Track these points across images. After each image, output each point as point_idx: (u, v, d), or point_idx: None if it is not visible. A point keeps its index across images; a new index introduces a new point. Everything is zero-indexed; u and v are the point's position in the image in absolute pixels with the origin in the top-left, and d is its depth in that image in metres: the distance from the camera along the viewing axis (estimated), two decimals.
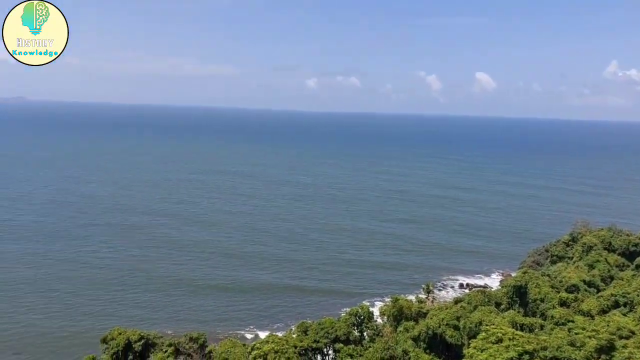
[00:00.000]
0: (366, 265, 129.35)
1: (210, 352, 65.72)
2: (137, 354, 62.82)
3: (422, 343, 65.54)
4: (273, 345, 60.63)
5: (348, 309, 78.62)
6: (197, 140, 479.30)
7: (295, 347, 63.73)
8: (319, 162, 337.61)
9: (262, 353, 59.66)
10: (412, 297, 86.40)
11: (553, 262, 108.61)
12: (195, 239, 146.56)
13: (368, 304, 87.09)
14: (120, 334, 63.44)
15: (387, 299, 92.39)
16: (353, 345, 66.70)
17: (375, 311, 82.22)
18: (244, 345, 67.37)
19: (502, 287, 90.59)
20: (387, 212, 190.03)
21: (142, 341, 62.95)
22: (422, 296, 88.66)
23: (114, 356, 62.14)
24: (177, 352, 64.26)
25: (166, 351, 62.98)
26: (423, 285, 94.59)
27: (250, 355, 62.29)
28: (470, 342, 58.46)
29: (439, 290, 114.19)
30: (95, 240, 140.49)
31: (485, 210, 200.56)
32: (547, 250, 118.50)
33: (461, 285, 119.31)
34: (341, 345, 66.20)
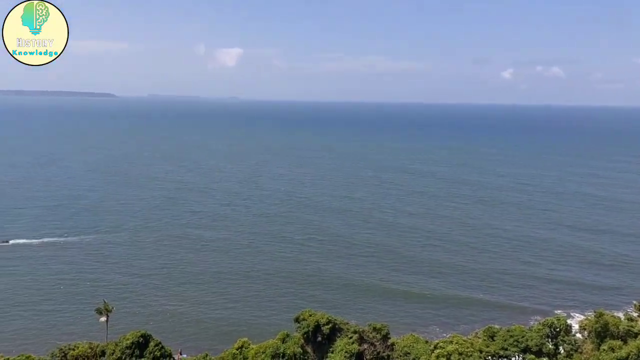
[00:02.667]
0: (563, 279, 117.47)
1: (392, 344, 66.63)
2: (325, 337, 66.64)
3: None
4: (457, 347, 59.00)
5: (540, 319, 72.58)
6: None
7: (481, 352, 61.10)
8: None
9: (445, 353, 58.51)
10: (619, 315, 76.20)
11: None
12: (384, 243, 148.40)
13: (565, 314, 79.30)
14: (310, 315, 68.05)
15: (588, 313, 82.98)
16: (546, 359, 61.44)
17: (574, 325, 74.42)
18: (427, 342, 66.81)
19: None
20: (591, 222, 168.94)
21: (330, 325, 66.62)
22: (634, 314, 77.55)
23: (305, 335, 66.85)
24: (361, 339, 66.52)
25: (351, 337, 65.66)
26: (635, 302, 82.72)
27: (432, 354, 61.59)
28: None
29: None
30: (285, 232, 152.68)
31: None
32: None
33: None
34: (532, 356, 61.46)
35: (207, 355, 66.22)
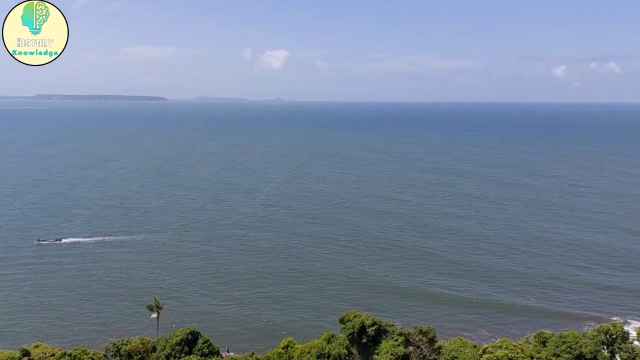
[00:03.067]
0: (619, 286, 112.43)
1: (439, 347, 65.58)
2: (370, 338, 66.28)
3: None
4: (506, 352, 57.45)
5: (595, 326, 69.70)
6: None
7: (532, 358, 59.26)
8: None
9: (494, 358, 57.10)
10: None
11: None
12: (424, 247, 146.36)
13: (622, 321, 75.86)
14: (355, 316, 67.87)
15: None
16: None
17: (631, 332, 71.06)
18: (475, 346, 65.39)
19: None
20: None
21: (375, 326, 66.23)
22: None
23: (350, 336, 66.72)
24: (407, 342, 65.81)
25: (397, 339, 65.06)
26: None
27: (481, 358, 60.23)
28: None
29: None
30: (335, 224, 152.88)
31: None
32: None
33: None
34: None
35: (253, 353, 67.17)
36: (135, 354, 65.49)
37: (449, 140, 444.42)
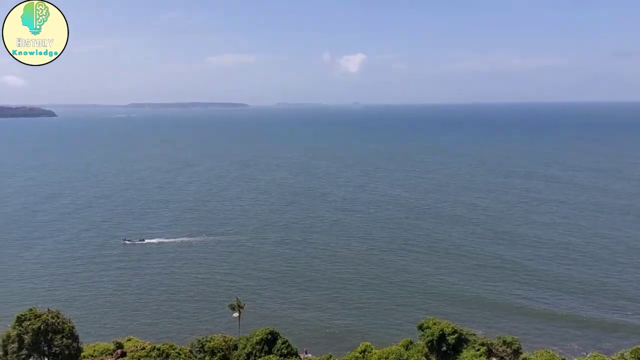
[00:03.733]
0: None
1: (524, 359, 62.70)
2: (450, 347, 64.60)
3: None
4: None
5: None
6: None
7: None
8: None
9: None
10: None
11: None
12: (506, 257, 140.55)
13: None
14: (435, 324, 66.45)
15: None
16: None
17: None
18: (563, 359, 61.90)
19: None
20: None
21: (456, 335, 64.47)
22: None
23: (429, 344, 65.39)
24: (489, 352, 63.49)
25: (478, 349, 62.94)
26: None
27: None
28: None
29: None
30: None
31: None
32: None
33: None
34: None
35: (330, 356, 67.56)
36: (218, 351, 67.96)
37: (532, 142, 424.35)
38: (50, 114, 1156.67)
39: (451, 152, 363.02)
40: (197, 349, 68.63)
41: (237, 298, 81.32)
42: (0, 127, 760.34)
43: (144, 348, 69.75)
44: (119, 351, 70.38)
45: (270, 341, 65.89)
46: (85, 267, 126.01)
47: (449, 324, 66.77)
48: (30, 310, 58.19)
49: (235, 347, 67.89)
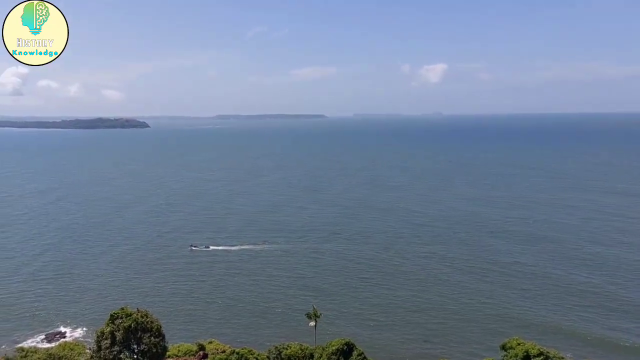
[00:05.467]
0: None
1: None
2: None
3: None
4: None
5: None
6: None
7: None
8: None
9: None
10: None
11: None
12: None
13: None
14: (519, 344, 63.24)
15: None
16: None
17: None
18: None
19: None
20: None
21: (542, 357, 60.94)
22: None
23: None
24: None
25: None
26: None
27: None
28: None
29: None
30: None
31: None
32: None
33: None
34: None
35: None
36: (294, 359, 68.82)
37: (623, 155, 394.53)
38: (144, 125, 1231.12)
39: (525, 165, 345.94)
40: (274, 355, 69.89)
41: (313, 307, 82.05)
42: (100, 137, 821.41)
43: (224, 351, 72.21)
44: (201, 353, 73.35)
45: (345, 352, 65.79)
46: (160, 270, 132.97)
47: (534, 345, 63.28)
48: (122, 309, 62.05)
49: (311, 356, 68.43)
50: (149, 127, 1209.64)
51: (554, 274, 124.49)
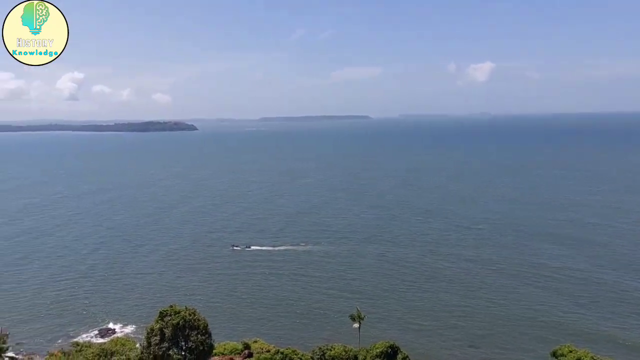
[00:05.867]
0: None
1: None
2: None
3: None
4: None
5: None
6: None
7: None
8: None
9: None
10: None
11: None
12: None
13: None
14: (570, 351, 61.05)
15: None
16: None
17: None
18: None
19: None
20: None
21: None
22: None
23: None
24: None
25: None
26: None
27: None
28: None
29: None
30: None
31: None
32: None
33: None
34: None
35: None
36: None
37: None
38: (192, 127, 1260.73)
39: (581, 167, 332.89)
40: (318, 356, 70.11)
41: (357, 308, 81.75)
42: (150, 140, 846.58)
43: (268, 350, 72.99)
44: (246, 351, 74.40)
45: (390, 355, 65.34)
46: (204, 269, 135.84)
47: (587, 352, 61.08)
48: (171, 306, 63.65)
49: (355, 358, 68.27)
50: (197, 129, 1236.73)
51: (607, 281, 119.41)
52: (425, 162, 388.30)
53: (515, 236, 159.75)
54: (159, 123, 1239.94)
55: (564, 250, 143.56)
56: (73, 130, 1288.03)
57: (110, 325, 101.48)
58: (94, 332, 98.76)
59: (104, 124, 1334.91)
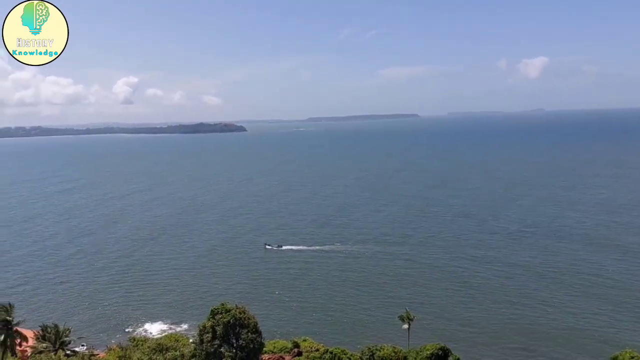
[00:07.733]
0: None
1: None
2: None
3: None
4: None
5: None
6: None
7: None
8: None
9: None
10: None
11: None
12: None
13: None
14: (632, 357, 58.17)
15: None
16: None
17: None
18: None
19: None
20: None
21: None
22: None
23: None
24: None
25: None
26: None
27: None
28: None
29: None
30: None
31: None
32: None
33: None
34: None
35: None
36: None
37: None
38: (241, 129, 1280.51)
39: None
40: (367, 356, 69.78)
41: (406, 309, 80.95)
42: (201, 141, 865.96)
43: (317, 350, 73.34)
44: (295, 350, 75.04)
45: (441, 357, 64.30)
46: (245, 267, 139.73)
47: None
48: (222, 304, 65.00)
49: (405, 359, 67.56)
50: (246, 130, 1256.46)
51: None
52: (468, 163, 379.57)
53: (569, 242, 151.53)
54: (209, 124, 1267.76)
55: (626, 260, 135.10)
56: (128, 132, 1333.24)
57: (162, 322, 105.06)
58: (149, 327, 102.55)
59: (157, 126, 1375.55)
